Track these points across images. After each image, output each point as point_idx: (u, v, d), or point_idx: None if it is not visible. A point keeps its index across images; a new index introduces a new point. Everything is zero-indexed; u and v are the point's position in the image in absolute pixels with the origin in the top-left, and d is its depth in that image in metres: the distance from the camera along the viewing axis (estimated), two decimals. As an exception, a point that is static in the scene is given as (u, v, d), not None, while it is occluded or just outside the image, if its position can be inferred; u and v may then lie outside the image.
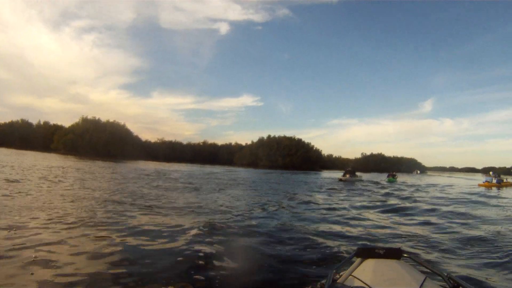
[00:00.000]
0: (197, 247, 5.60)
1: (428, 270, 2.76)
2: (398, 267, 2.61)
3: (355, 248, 3.15)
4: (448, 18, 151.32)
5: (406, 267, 2.65)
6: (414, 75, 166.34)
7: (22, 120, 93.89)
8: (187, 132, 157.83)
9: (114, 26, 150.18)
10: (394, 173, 42.27)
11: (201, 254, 5.23)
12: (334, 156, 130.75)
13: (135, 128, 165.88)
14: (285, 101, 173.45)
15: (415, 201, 16.07)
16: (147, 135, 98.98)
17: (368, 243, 7.01)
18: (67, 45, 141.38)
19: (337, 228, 8.36)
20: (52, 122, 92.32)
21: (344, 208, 12.52)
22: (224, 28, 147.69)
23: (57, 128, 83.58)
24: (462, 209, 13.06)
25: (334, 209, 12.19)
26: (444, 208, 13.13)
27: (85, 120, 77.46)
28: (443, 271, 2.58)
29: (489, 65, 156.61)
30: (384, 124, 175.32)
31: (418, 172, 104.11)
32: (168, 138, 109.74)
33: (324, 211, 11.44)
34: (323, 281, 2.64)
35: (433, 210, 12.63)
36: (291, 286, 4.37)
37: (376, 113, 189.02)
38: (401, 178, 44.97)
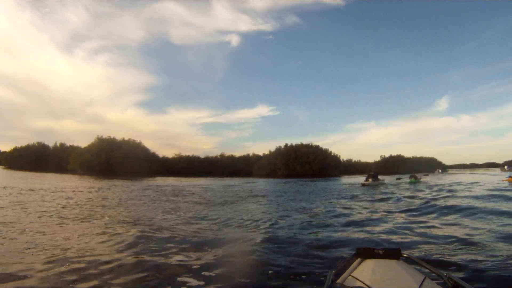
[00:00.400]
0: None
1: (428, 270, 2.82)
2: (397, 267, 2.68)
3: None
4: (457, 12, 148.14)
5: (405, 267, 2.71)
6: (427, 73, 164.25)
7: (38, 143, 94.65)
8: (206, 146, 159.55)
9: (125, 45, 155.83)
10: (415, 174, 39.93)
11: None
12: (353, 160, 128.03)
13: (153, 145, 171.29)
14: (301, 109, 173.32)
15: (443, 201, 14.77)
16: (166, 151, 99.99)
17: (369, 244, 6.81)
18: (81, 66, 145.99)
19: (361, 234, 7.82)
20: (71, 143, 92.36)
21: (368, 213, 11.83)
22: (234, 40, 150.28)
23: (73, 149, 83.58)
24: (494, 207, 12.02)
25: (356, 213, 11.55)
26: (477, 206, 12.18)
27: (100, 140, 77.41)
28: (442, 271, 2.61)
29: (503, 56, 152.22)
30: (401, 125, 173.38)
31: (440, 171, 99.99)
32: (186, 152, 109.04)
33: (346, 217, 10.82)
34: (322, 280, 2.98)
35: (464, 209, 11.65)
36: (290, 286, 4.39)
37: (393, 114, 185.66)
38: (423, 178, 42.57)
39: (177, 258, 5.51)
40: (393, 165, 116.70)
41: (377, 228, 8.57)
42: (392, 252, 2.95)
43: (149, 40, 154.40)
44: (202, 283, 4.37)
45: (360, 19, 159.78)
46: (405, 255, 3.01)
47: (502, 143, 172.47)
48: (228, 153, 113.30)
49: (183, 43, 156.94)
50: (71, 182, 33.44)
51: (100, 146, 74.52)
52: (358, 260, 2.99)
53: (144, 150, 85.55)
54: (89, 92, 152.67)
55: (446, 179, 44.97)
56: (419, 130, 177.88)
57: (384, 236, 7.49)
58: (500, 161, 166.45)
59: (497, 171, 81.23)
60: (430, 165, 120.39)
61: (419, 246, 6.46)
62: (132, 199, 17.37)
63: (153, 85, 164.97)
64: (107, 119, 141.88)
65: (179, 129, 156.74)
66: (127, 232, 7.74)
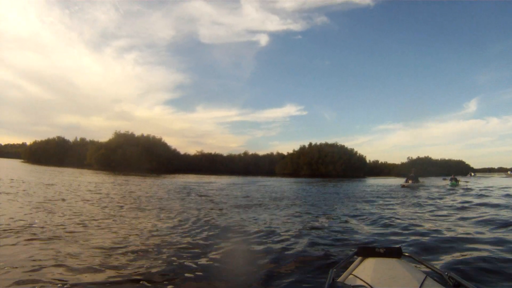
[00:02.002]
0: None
1: (429, 269, 2.89)
2: (398, 266, 2.70)
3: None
4: (486, 13, 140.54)
5: (406, 266, 2.73)
6: (457, 75, 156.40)
7: (58, 137, 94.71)
8: (233, 145, 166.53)
9: (154, 44, 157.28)
10: (455, 176, 36.36)
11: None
12: (379, 161, 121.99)
13: (180, 143, 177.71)
14: (329, 109, 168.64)
15: (500, 206, 12.91)
16: (193, 150, 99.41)
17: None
18: (109, 64, 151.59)
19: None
20: (97, 139, 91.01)
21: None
22: (263, 40, 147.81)
23: (91, 144, 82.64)
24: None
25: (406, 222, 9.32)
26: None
27: (118, 135, 75.96)
28: (443, 270, 2.67)
29: None
30: (429, 127, 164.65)
31: (473, 174, 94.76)
32: (214, 151, 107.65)
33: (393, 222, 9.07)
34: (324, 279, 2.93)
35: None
36: (291, 285, 4.28)
37: (420, 116, 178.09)
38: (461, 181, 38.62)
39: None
40: (421, 166, 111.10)
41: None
42: (393, 251, 2.99)
43: (178, 38, 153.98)
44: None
45: (389, 20, 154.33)
46: (406, 254, 3.10)
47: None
48: (254, 152, 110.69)
49: (212, 42, 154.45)
50: (79, 177, 31.09)
51: (117, 141, 72.91)
52: (359, 258, 3.03)
53: (164, 146, 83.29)
54: (117, 90, 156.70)
55: (485, 182, 42.43)
56: (447, 132, 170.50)
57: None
58: None
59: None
60: (459, 168, 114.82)
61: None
62: (124, 196, 15.15)
63: (181, 84, 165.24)
64: (135, 116, 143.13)
65: (207, 128, 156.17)
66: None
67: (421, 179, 35.28)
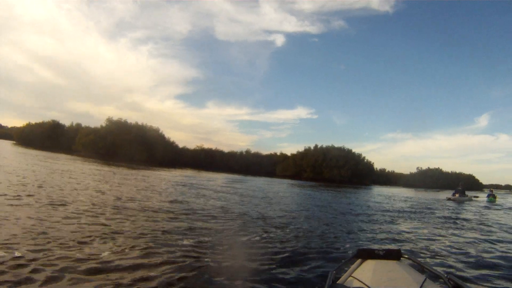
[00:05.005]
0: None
1: (428, 272, 2.80)
2: (398, 268, 2.70)
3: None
4: (507, 27, 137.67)
5: (406, 268, 2.73)
6: (470, 89, 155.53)
7: (52, 120, 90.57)
8: (241, 143, 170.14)
9: (170, 37, 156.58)
10: (493, 191, 35.84)
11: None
12: (386, 170, 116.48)
13: (189, 138, 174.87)
14: (340, 114, 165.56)
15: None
16: (204, 145, 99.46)
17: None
18: (124, 55, 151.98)
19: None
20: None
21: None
22: (279, 40, 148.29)
23: (83, 130, 77.82)
24: None
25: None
26: None
27: (110, 121, 71.21)
28: (443, 272, 2.61)
29: None
30: (438, 139, 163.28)
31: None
32: (222, 148, 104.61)
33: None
34: (323, 282, 2.76)
35: None
36: (291, 287, 4.45)
37: (431, 127, 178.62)
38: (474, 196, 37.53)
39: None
40: (431, 178, 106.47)
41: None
42: (392, 253, 3.01)
43: (194, 33, 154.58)
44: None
45: (407, 29, 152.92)
46: (405, 256, 3.10)
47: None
48: (264, 152, 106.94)
49: (228, 39, 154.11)
50: (54, 163, 26.84)
51: (109, 128, 68.44)
52: (359, 260, 3.04)
53: (160, 137, 78.41)
54: (130, 80, 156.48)
55: None
56: (457, 146, 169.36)
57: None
58: None
59: None
60: (469, 183, 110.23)
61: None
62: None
63: (194, 79, 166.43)
64: (146, 107, 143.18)
65: (217, 124, 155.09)
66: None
67: (468, 193, 35.88)
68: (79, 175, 19.17)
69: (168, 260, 5.12)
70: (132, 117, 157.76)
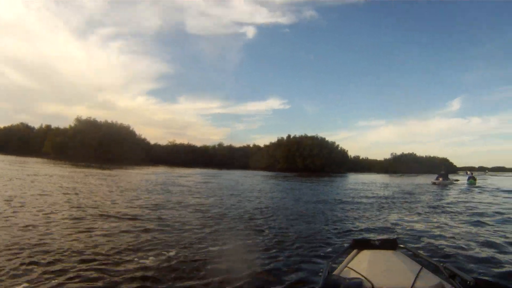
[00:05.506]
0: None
1: (424, 261, 2.79)
2: (394, 258, 2.70)
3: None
4: (475, 12, 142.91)
5: (402, 258, 2.73)
6: (443, 73, 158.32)
7: (21, 123, 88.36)
8: (214, 137, 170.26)
9: (140, 33, 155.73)
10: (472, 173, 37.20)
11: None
12: (360, 157, 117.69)
13: (162, 134, 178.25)
14: (312, 104, 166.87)
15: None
16: (176, 141, 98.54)
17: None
18: (94, 52, 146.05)
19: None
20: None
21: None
22: (250, 32, 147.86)
23: (52, 132, 75.80)
24: None
25: None
26: None
27: (79, 121, 69.65)
28: (439, 261, 2.78)
29: None
30: (412, 125, 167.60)
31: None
32: (195, 143, 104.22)
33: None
34: (320, 273, 3.14)
35: None
36: (287, 278, 4.45)
37: (404, 113, 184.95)
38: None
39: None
40: (405, 163, 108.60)
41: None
42: (388, 243, 3.02)
43: (164, 28, 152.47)
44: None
45: (378, 17, 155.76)
46: (401, 246, 3.10)
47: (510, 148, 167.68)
48: (237, 145, 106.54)
49: (199, 33, 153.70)
50: (19, 168, 26.15)
51: (77, 128, 67.04)
52: (355, 251, 3.02)
53: (130, 134, 77.36)
54: (101, 79, 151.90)
55: (493, 180, 44.89)
56: (430, 130, 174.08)
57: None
58: (509, 166, 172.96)
59: None
60: (444, 166, 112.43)
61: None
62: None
63: (165, 74, 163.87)
64: (118, 106, 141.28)
65: (189, 119, 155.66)
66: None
67: (450, 176, 36.88)
68: (42, 179, 18.37)
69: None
70: (105, 116, 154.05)
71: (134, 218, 8.53)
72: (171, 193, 15.18)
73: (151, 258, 5.26)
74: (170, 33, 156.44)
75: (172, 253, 5.53)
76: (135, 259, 5.19)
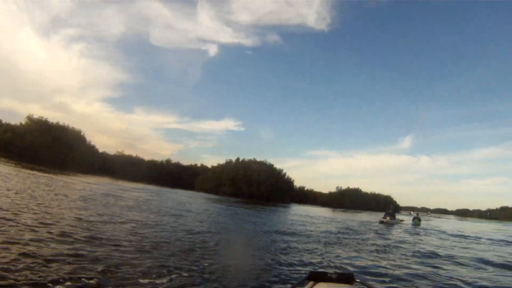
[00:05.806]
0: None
1: None
2: None
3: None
4: (440, 52, 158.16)
5: None
6: (399, 109, 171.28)
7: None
8: (165, 152, 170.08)
9: (104, 38, 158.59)
10: (418, 214, 39.31)
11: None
12: (305, 188, 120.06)
13: (115, 143, 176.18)
14: (267, 128, 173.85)
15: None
16: (127, 152, 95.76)
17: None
18: (55, 52, 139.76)
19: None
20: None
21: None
22: (213, 50, 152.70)
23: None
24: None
25: None
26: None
27: (30, 119, 68.24)
28: None
29: (476, 101, 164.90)
30: (361, 158, 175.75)
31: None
32: (145, 156, 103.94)
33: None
34: None
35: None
36: None
37: (355, 146, 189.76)
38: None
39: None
40: (349, 198, 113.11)
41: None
42: (345, 277, 2.95)
43: (128, 36, 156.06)
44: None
45: (340, 49, 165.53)
46: (358, 281, 3.03)
47: (456, 190, 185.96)
48: (185, 163, 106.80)
49: (162, 45, 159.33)
50: None
51: (28, 127, 66.08)
52: (311, 283, 2.92)
53: (80, 140, 75.88)
54: (59, 80, 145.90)
55: (433, 223, 45.24)
56: (379, 166, 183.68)
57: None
58: (451, 208, 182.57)
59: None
60: (387, 203, 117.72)
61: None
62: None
63: (125, 82, 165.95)
64: (72, 109, 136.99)
65: (143, 131, 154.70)
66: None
67: (398, 216, 38.62)
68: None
69: None
70: (58, 119, 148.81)
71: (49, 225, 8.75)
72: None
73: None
74: (134, 42, 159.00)
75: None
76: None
